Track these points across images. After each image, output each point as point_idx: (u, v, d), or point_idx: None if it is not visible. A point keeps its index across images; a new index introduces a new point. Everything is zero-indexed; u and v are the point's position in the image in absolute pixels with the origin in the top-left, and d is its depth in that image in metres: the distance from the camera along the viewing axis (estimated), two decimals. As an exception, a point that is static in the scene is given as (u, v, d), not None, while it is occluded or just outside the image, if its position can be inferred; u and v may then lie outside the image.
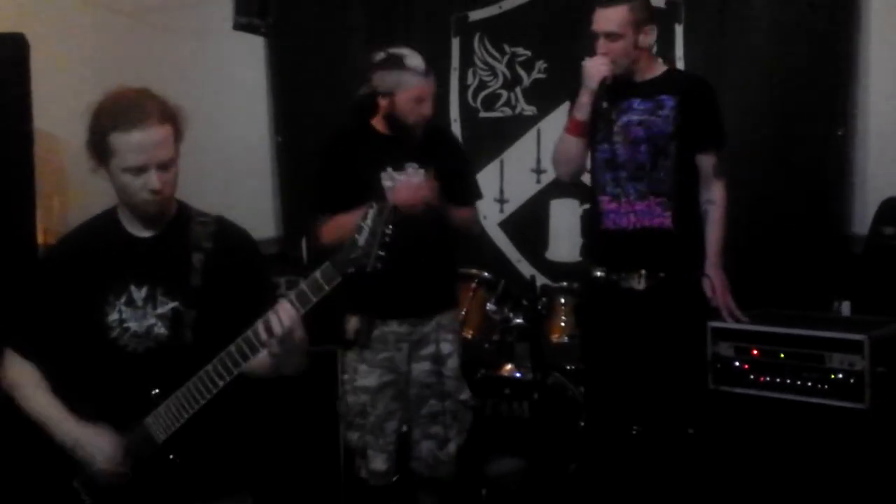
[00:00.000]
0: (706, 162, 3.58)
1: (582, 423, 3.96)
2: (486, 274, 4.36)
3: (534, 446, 3.99)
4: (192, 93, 4.64)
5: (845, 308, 4.08)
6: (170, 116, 2.34)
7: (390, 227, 2.21)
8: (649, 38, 3.54)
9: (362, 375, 3.60)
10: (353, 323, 3.61)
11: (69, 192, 4.50)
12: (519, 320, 4.22)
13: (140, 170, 2.30)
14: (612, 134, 3.56)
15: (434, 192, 3.43)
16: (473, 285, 4.31)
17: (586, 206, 4.12)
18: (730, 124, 3.73)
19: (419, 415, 3.68)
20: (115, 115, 2.30)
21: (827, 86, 4.15)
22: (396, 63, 3.37)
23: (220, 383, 2.33)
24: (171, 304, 2.42)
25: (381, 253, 2.21)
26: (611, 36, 3.47)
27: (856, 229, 4.13)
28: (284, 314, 2.23)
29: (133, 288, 2.43)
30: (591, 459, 3.83)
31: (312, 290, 2.25)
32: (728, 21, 4.41)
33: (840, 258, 4.12)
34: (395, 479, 3.91)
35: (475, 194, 3.83)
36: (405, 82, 3.38)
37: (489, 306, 4.26)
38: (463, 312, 4.22)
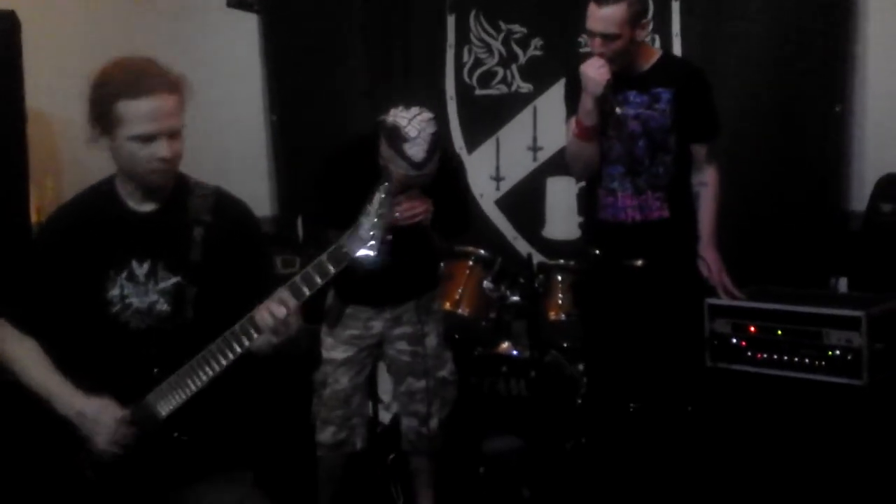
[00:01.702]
0: (700, 149, 3.57)
1: (579, 401, 3.96)
2: (482, 252, 4.34)
3: (531, 424, 3.99)
4: (185, 71, 4.65)
5: (842, 284, 4.09)
6: (177, 86, 2.32)
7: (392, 209, 2.21)
8: (645, 31, 3.48)
9: (328, 348, 3.63)
10: (329, 298, 3.63)
11: (62, 172, 4.47)
12: (516, 298, 4.20)
13: (149, 138, 2.27)
14: (607, 127, 3.49)
15: (428, 218, 3.39)
16: (470, 263, 4.30)
17: (583, 184, 4.10)
18: (727, 102, 3.72)
19: (399, 392, 3.72)
20: (123, 82, 2.27)
21: (824, 62, 4.12)
22: (396, 144, 3.19)
23: (224, 362, 2.32)
24: (173, 280, 2.40)
25: (389, 236, 2.22)
26: (608, 36, 3.36)
27: (853, 206, 4.12)
28: (276, 306, 2.24)
29: (135, 263, 2.40)
30: (588, 436, 3.83)
31: (319, 274, 2.25)
32: (725, -2, 4.38)
33: (837, 235, 4.11)
34: (391, 457, 3.94)
35: (462, 230, 3.81)
36: (398, 166, 3.23)
37: (486, 284, 4.25)
38: (460, 290, 4.21)
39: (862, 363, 3.33)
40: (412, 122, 3.20)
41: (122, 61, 2.33)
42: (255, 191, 5.14)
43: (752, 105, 4.25)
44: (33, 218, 4.10)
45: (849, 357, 3.35)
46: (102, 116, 2.28)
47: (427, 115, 3.25)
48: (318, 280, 2.26)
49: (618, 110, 3.38)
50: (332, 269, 2.25)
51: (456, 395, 3.77)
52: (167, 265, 2.40)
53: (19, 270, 2.49)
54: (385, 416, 4.22)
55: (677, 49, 4.53)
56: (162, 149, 2.29)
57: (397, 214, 3.20)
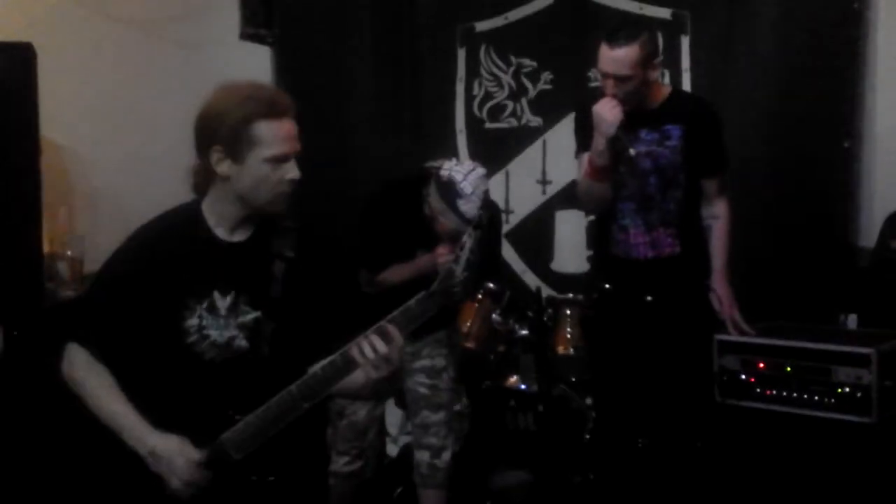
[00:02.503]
0: (710, 184, 3.58)
1: (587, 436, 3.95)
2: (491, 285, 4.35)
3: (539, 459, 3.98)
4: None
5: (852, 321, 4.08)
6: (295, 110, 2.29)
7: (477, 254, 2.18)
8: (657, 70, 3.47)
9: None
10: None
11: (75, 202, 4.49)
12: (524, 332, 4.21)
13: (283, 159, 2.23)
14: (618, 165, 3.46)
15: None
16: (479, 296, 4.31)
17: (592, 217, 4.11)
18: (736, 137, 3.73)
19: (414, 424, 3.73)
20: (263, 102, 2.23)
21: (833, 98, 4.14)
22: (450, 198, 3.23)
23: (306, 406, 2.21)
24: (254, 315, 2.31)
25: (475, 281, 2.20)
26: (621, 78, 3.34)
27: (862, 242, 4.11)
28: (379, 339, 2.16)
29: (217, 294, 2.31)
30: (596, 471, 3.82)
31: (408, 321, 2.19)
32: (735, 33, 4.40)
33: (847, 271, 4.10)
34: (398, 490, 3.92)
35: (492, 276, 3.94)
36: (449, 219, 3.27)
37: (495, 317, 4.26)
38: (468, 323, 4.22)
39: (872, 400, 3.31)
40: (468, 177, 3.24)
41: (247, 84, 2.30)
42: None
43: (761, 141, 4.26)
44: (46, 248, 4.12)
45: (858, 394, 3.34)
46: (235, 138, 2.22)
47: (481, 170, 3.31)
48: (405, 326, 2.19)
49: (631, 151, 3.36)
50: (419, 316, 2.20)
51: (468, 428, 3.77)
52: (249, 299, 2.32)
53: (94, 291, 2.41)
54: (392, 449, 4.21)
55: (687, 84, 4.55)
56: (293, 170, 2.25)
57: (440, 265, 3.26)
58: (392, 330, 2.17)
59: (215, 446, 2.22)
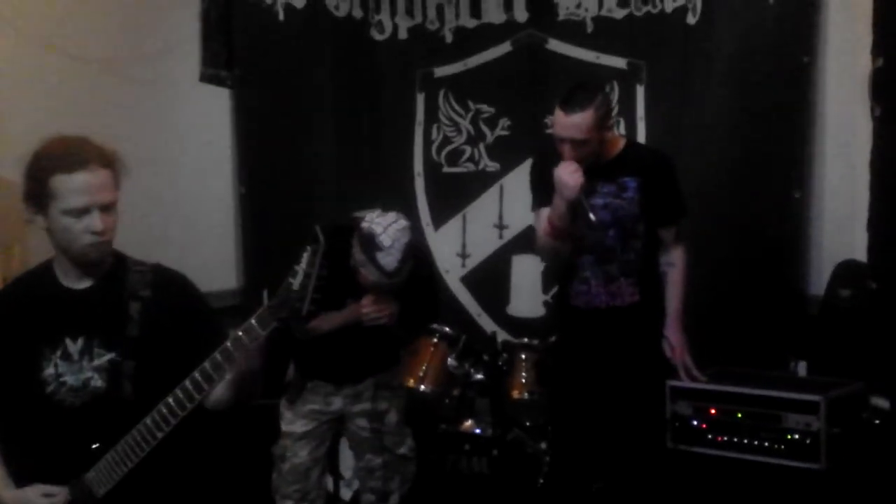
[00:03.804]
0: (668, 232, 3.63)
1: (541, 480, 3.95)
2: (447, 329, 4.36)
3: (493, 503, 3.97)
4: (157, 142, 4.69)
5: (801, 368, 4.13)
6: (109, 161, 2.34)
7: (324, 269, 2.21)
8: (612, 130, 3.52)
9: (287, 422, 3.63)
10: (290, 372, 3.65)
11: (30, 241, 4.43)
12: (479, 376, 4.22)
13: (82, 211, 2.29)
14: (576, 217, 3.47)
15: (394, 318, 3.43)
16: (434, 340, 4.31)
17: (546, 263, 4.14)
18: (689, 186, 3.79)
19: (358, 467, 3.73)
20: (56, 157, 2.30)
21: (784, 149, 4.22)
22: (370, 251, 3.21)
23: (159, 435, 2.31)
24: (108, 356, 2.38)
25: (317, 296, 2.21)
26: (577, 142, 3.38)
27: (812, 290, 4.18)
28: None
29: (68, 341, 2.39)
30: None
31: (248, 337, 2.26)
32: (688, 84, 4.49)
33: (797, 319, 4.16)
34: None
35: (426, 327, 3.99)
36: (370, 272, 3.27)
37: (450, 361, 4.26)
38: (423, 367, 4.22)
39: (820, 447, 3.36)
40: (387, 230, 3.22)
41: (55, 139, 2.36)
42: (222, 262, 5.13)
43: (713, 190, 4.33)
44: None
45: (807, 441, 3.38)
46: (37, 192, 2.30)
47: (403, 223, 3.28)
48: (248, 344, 2.26)
49: (591, 216, 3.38)
50: (261, 332, 2.25)
51: (415, 471, 3.75)
52: (102, 342, 2.39)
53: None
54: (346, 493, 4.17)
55: (641, 132, 4.63)
56: (95, 221, 2.30)
57: (363, 315, 3.32)
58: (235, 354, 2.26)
59: (78, 484, 2.35)
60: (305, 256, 2.21)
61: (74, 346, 2.39)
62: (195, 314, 2.51)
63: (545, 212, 3.53)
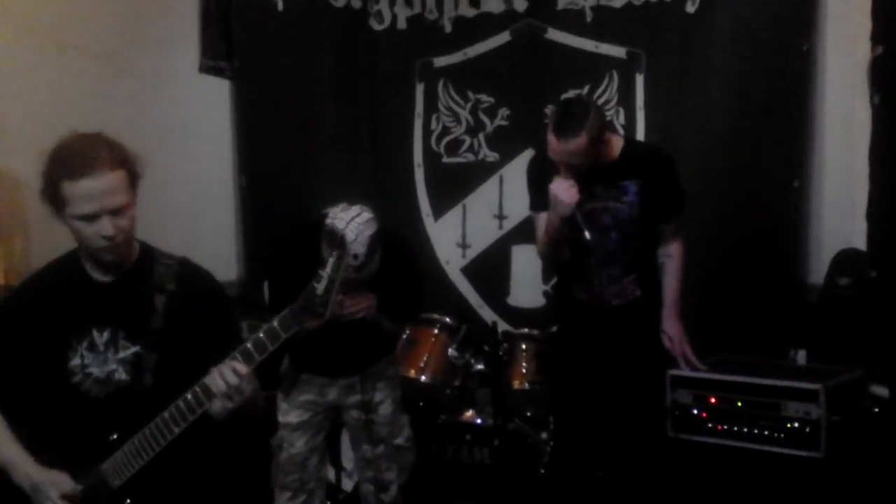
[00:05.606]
0: (667, 227, 3.64)
1: (542, 470, 3.96)
2: (447, 319, 4.37)
3: (494, 493, 3.98)
4: (157, 134, 4.69)
5: (801, 356, 4.14)
6: (122, 161, 2.32)
7: (350, 272, 2.24)
8: (607, 140, 3.45)
9: (283, 413, 3.64)
10: (284, 364, 3.66)
11: (31, 233, 4.45)
12: (480, 366, 4.22)
13: (92, 217, 2.29)
14: (572, 230, 3.45)
15: (372, 313, 3.42)
16: (435, 330, 4.32)
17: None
18: (688, 175, 3.78)
19: (356, 458, 3.73)
20: (65, 163, 2.29)
21: (784, 139, 4.22)
22: (333, 245, 3.12)
23: (176, 430, 2.33)
24: (133, 349, 2.41)
25: (339, 299, 2.24)
26: (573, 165, 3.35)
27: (811, 279, 4.19)
28: (229, 372, 2.25)
29: (95, 332, 2.42)
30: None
31: (270, 339, 2.27)
32: (688, 73, 4.48)
33: (796, 307, 4.17)
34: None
35: (413, 315, 3.93)
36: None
37: (451, 352, 4.27)
38: (424, 357, 4.23)
39: (820, 435, 3.37)
40: (350, 224, 3.18)
41: (67, 140, 2.34)
42: (222, 253, 5.15)
43: (713, 179, 4.33)
44: (1, 280, 4.07)
45: (807, 429, 3.39)
46: (51, 196, 2.31)
47: (366, 215, 3.22)
48: (269, 346, 2.28)
49: (586, 234, 3.36)
50: (282, 334, 2.26)
51: (414, 460, 3.76)
52: (127, 334, 2.42)
53: None
54: (348, 484, 4.19)
55: (641, 122, 4.63)
56: (105, 227, 2.30)
57: (341, 311, 3.24)
58: (238, 364, 2.25)
59: (94, 474, 2.37)
60: (331, 262, 2.24)
61: (101, 338, 2.42)
62: (218, 312, 2.52)
63: (543, 216, 3.54)
